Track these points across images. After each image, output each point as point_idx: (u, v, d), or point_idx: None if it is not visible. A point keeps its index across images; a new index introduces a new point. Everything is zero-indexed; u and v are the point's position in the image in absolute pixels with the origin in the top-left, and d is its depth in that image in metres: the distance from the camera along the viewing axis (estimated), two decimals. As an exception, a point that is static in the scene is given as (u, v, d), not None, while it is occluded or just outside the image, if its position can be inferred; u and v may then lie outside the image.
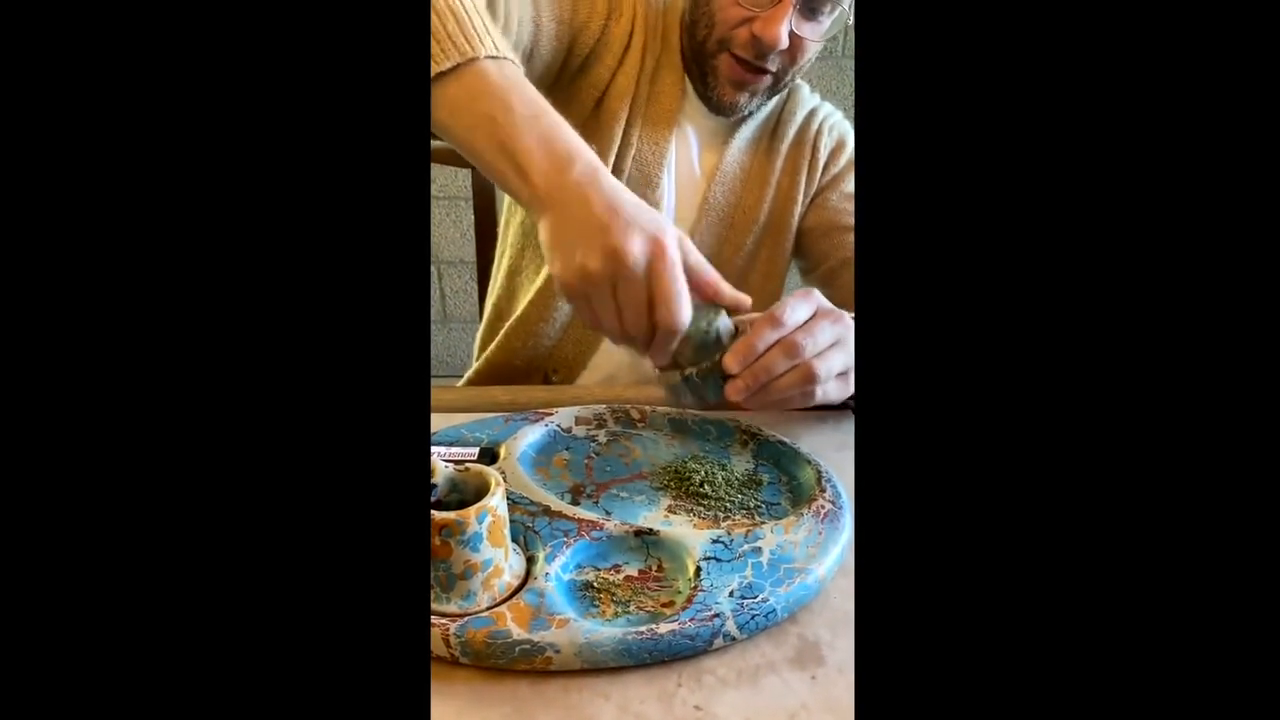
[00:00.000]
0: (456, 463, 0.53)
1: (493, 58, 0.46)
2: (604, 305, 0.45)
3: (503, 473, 0.52)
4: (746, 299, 0.49)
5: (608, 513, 0.50)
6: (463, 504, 0.44)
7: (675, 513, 0.50)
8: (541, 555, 0.45)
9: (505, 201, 0.87)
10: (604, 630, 0.39)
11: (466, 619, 0.40)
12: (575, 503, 0.51)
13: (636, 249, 0.43)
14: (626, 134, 0.73)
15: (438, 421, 0.61)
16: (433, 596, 0.42)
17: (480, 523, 0.41)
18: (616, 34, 0.72)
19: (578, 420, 0.60)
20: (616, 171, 0.73)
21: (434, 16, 0.45)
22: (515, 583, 0.43)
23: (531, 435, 0.57)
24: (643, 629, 0.39)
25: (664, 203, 0.76)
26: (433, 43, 0.44)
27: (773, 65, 0.70)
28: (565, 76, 0.73)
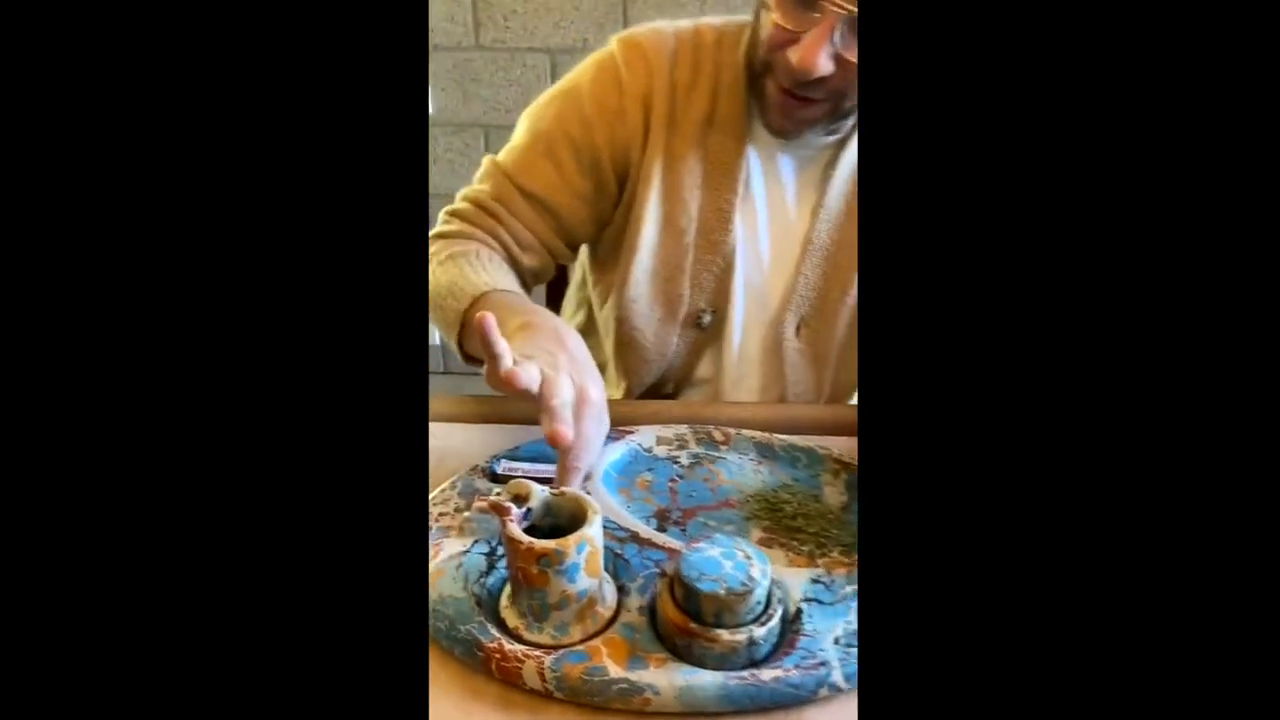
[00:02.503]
0: (545, 480, 0.52)
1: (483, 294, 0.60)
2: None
3: (588, 493, 0.50)
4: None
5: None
6: (556, 529, 0.43)
7: (769, 546, 0.48)
8: (634, 587, 0.43)
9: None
10: (705, 674, 0.38)
11: (561, 652, 0.39)
12: (662, 529, 0.49)
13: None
14: (670, 194, 0.69)
15: (508, 434, 0.60)
16: (524, 625, 0.40)
17: (579, 553, 0.39)
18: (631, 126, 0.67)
19: (659, 440, 0.58)
20: (674, 229, 0.69)
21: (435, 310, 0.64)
22: (608, 614, 0.41)
23: (613, 454, 0.56)
24: (746, 675, 0.38)
25: (736, 251, 0.69)
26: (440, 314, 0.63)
27: (817, 94, 0.59)
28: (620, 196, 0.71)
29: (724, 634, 0.38)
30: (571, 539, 0.39)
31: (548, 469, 0.53)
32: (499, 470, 0.53)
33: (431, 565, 0.44)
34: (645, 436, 0.58)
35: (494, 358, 0.45)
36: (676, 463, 0.56)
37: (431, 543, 0.46)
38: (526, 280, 0.71)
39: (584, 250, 0.78)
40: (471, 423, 0.63)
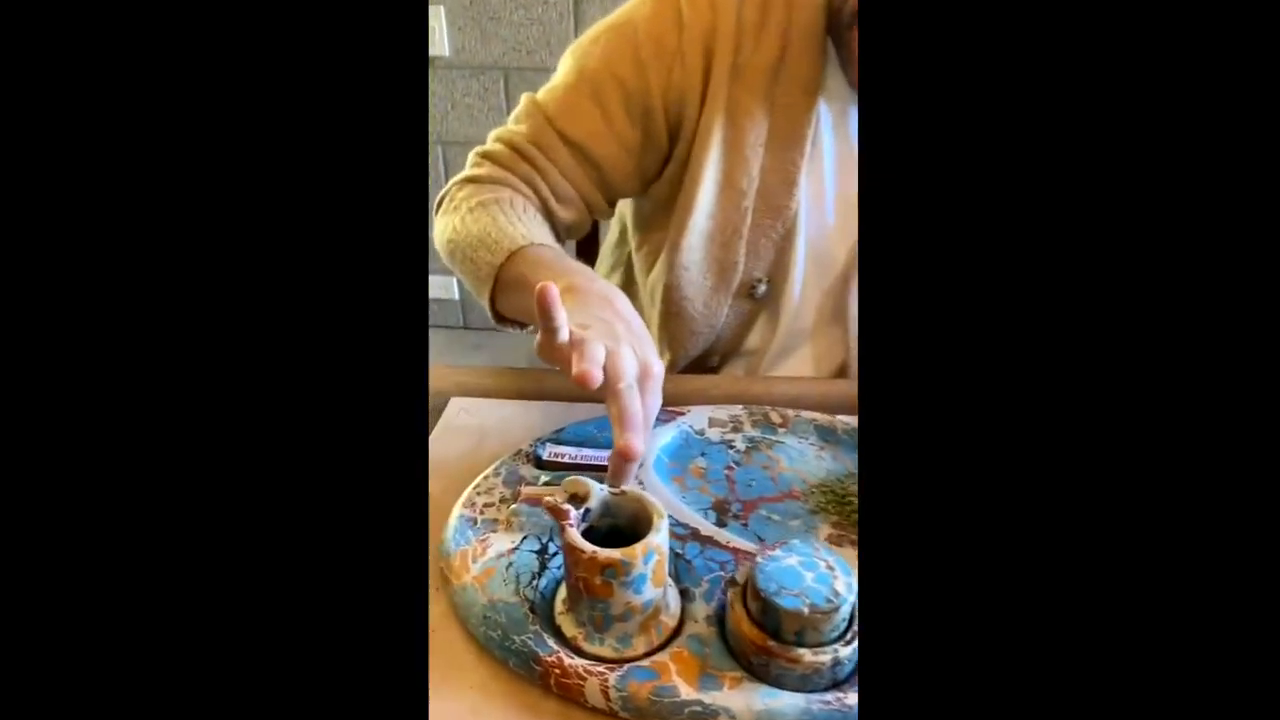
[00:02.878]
0: (593, 468, 0.48)
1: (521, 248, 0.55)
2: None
3: (640, 484, 0.47)
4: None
5: (760, 539, 0.45)
6: (615, 530, 0.39)
7: (838, 544, 0.44)
8: (698, 593, 0.40)
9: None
10: (785, 697, 0.34)
11: (627, 669, 0.36)
12: (721, 523, 0.46)
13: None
14: (731, 151, 0.62)
15: (548, 412, 0.56)
16: (583, 635, 0.37)
17: (646, 563, 0.36)
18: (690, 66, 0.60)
19: (711, 422, 0.54)
20: (733, 190, 0.63)
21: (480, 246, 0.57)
22: (672, 624, 0.38)
23: (663, 437, 0.52)
24: (829, 698, 0.34)
25: (799, 217, 0.63)
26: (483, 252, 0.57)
27: None
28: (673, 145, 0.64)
29: (806, 654, 0.34)
30: (639, 548, 0.35)
31: (595, 454, 0.49)
32: (544, 456, 0.49)
33: (479, 564, 0.41)
34: (696, 418, 0.54)
35: (551, 331, 0.41)
36: (732, 447, 0.52)
37: (477, 538, 0.43)
38: (560, 235, 0.66)
39: (624, 205, 0.73)
40: (509, 398, 0.59)
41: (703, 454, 0.52)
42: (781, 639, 0.35)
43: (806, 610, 0.34)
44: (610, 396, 0.41)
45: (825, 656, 0.34)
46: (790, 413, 0.55)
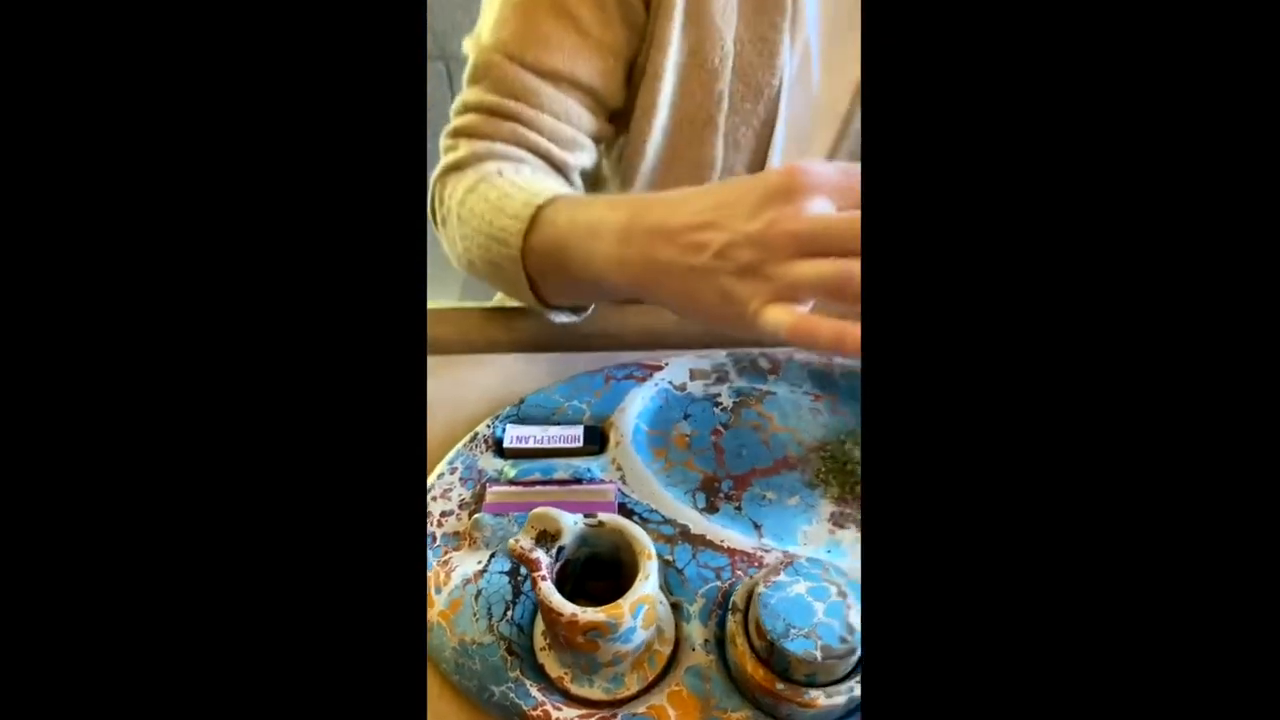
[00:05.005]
0: (567, 452, 0.43)
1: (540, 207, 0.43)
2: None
3: (619, 470, 0.41)
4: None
5: (756, 525, 0.40)
6: (593, 560, 0.34)
7: (842, 525, 0.40)
8: (694, 610, 0.36)
9: None
10: (797, 738, 0.32)
11: (621, 718, 0.32)
12: (712, 507, 0.41)
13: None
14: (696, 19, 0.50)
15: (509, 371, 0.49)
16: (570, 677, 0.33)
17: (636, 616, 0.31)
18: None
19: (693, 374, 0.48)
20: (702, 70, 0.51)
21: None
22: (666, 650, 0.34)
23: (640, 400, 0.46)
24: (845, 735, 0.32)
25: (782, 95, 0.53)
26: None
27: None
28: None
29: (820, 696, 0.31)
30: (626, 605, 0.30)
31: (566, 433, 0.43)
32: (507, 443, 0.43)
33: (444, 595, 0.36)
34: (676, 371, 0.48)
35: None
36: (718, 404, 0.47)
37: (438, 560, 0.38)
38: (580, 184, 0.55)
39: None
40: (452, 351, 0.51)
41: (686, 415, 0.46)
42: (791, 680, 0.31)
43: (820, 655, 0.30)
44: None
45: (840, 699, 0.31)
46: (780, 355, 0.48)
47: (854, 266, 0.31)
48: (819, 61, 0.54)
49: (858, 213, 0.32)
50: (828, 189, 0.33)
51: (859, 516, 0.41)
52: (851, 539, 0.40)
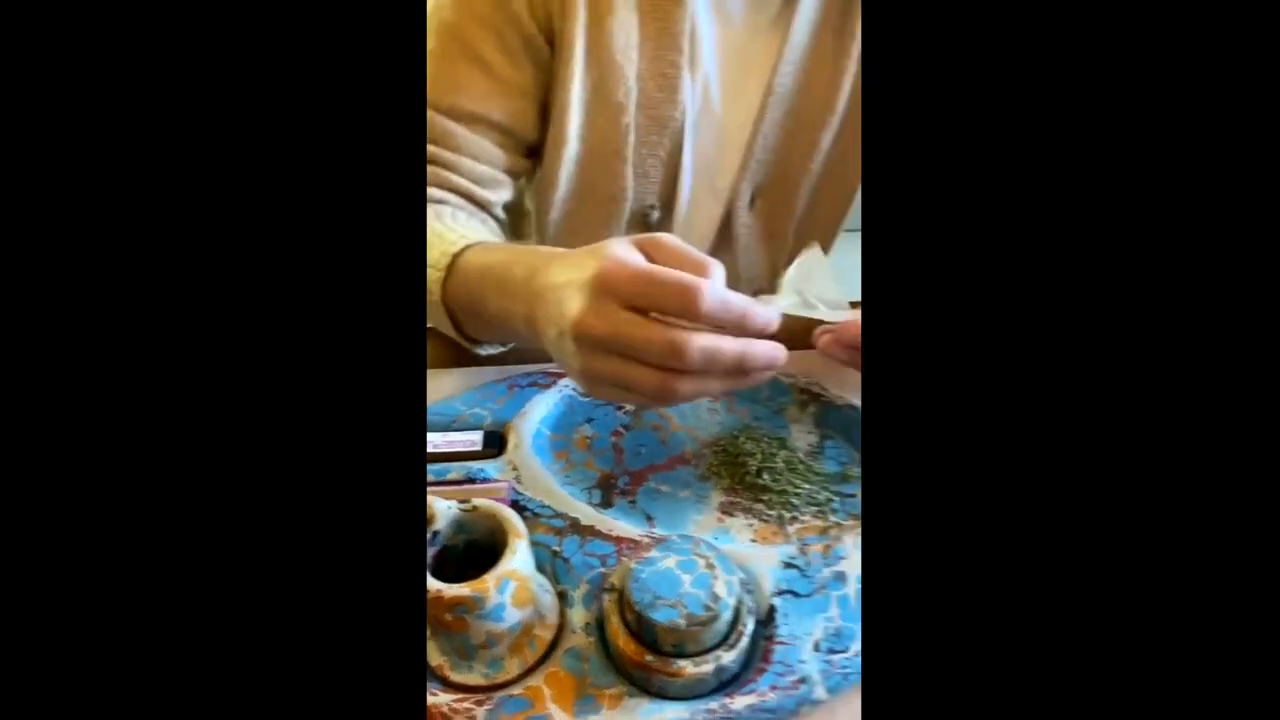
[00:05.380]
0: (465, 454, 0.44)
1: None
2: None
3: (515, 470, 0.42)
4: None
5: (649, 517, 0.41)
6: (472, 547, 0.35)
7: (731, 513, 0.41)
8: (577, 596, 0.36)
9: None
10: (668, 709, 0.32)
11: (496, 702, 0.33)
12: (607, 502, 0.42)
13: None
14: (598, 59, 0.53)
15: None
16: (449, 664, 0.34)
17: (502, 592, 0.32)
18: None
19: (597, 380, 0.49)
20: (608, 106, 0.54)
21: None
22: (549, 635, 0.35)
23: (543, 406, 0.47)
24: (714, 705, 0.32)
25: (687, 112, 0.56)
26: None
27: None
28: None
29: (688, 666, 0.32)
30: (491, 580, 0.31)
31: (466, 438, 0.44)
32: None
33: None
34: (580, 378, 0.49)
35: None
36: (621, 408, 0.48)
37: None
38: (506, 224, 0.58)
39: None
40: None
41: (588, 420, 0.47)
42: (660, 652, 0.32)
43: (684, 623, 0.31)
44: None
45: (707, 666, 0.32)
46: (682, 360, 0.50)
47: (641, 371, 0.33)
48: (719, 93, 0.57)
49: (654, 323, 0.33)
50: (625, 295, 0.33)
51: (748, 505, 0.42)
52: (740, 525, 0.41)
